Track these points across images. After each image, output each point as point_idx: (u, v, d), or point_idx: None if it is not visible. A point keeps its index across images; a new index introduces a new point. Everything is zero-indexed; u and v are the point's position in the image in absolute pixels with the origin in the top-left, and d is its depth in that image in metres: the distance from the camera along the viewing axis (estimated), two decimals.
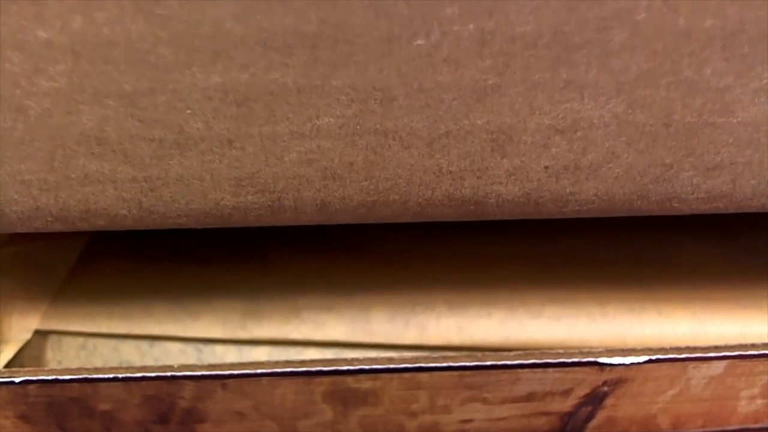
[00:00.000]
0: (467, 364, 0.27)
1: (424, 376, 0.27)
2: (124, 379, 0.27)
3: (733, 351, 0.27)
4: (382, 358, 0.26)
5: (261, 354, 0.30)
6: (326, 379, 0.27)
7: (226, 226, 0.26)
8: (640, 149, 0.24)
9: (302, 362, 0.26)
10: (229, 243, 0.33)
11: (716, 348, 0.27)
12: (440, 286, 0.30)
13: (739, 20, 0.21)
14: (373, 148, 0.24)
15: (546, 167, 0.25)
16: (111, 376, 0.26)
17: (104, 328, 0.29)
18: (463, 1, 0.20)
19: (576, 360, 0.27)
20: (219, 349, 0.30)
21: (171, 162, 0.24)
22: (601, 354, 0.27)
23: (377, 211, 0.25)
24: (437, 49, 0.22)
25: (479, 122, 0.23)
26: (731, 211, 0.26)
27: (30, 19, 0.20)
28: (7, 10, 0.20)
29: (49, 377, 0.26)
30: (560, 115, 0.23)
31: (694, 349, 0.27)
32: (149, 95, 0.22)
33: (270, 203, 0.25)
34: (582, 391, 0.28)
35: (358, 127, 0.23)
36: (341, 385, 0.27)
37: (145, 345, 0.30)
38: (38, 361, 0.30)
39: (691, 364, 0.27)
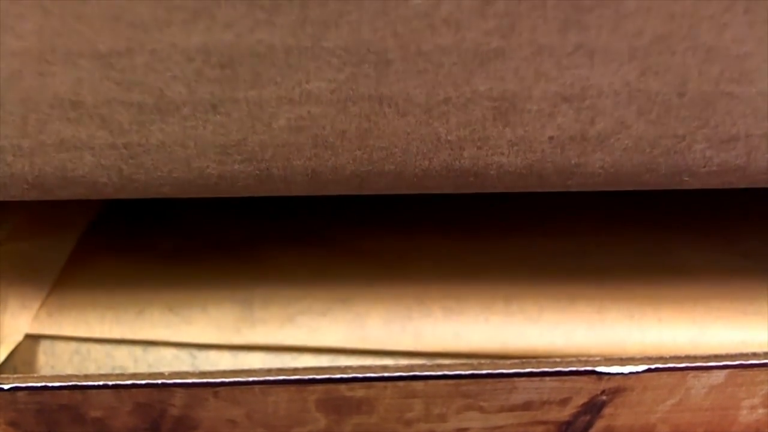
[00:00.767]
0: (463, 372, 0.22)
1: (418, 385, 0.22)
2: (114, 386, 0.22)
3: (734, 360, 0.22)
4: (376, 366, 0.22)
5: (255, 360, 0.24)
6: (319, 387, 0.22)
7: (212, 196, 0.20)
8: (652, 119, 0.18)
9: (295, 370, 0.22)
10: (223, 246, 0.28)
11: (717, 357, 0.22)
12: (437, 291, 0.25)
13: None
14: (367, 115, 0.18)
15: (551, 137, 0.19)
16: (101, 383, 0.21)
17: (97, 333, 0.24)
18: None
19: (574, 369, 0.22)
20: (213, 354, 0.24)
21: (151, 128, 0.18)
22: (599, 363, 0.22)
23: (371, 182, 0.20)
24: (437, 9, 0.16)
25: (481, 89, 0.18)
26: (743, 185, 0.20)
27: None
28: None
29: (39, 384, 0.21)
30: (568, 82, 0.18)
31: (694, 358, 0.22)
32: (126, 56, 0.17)
33: (258, 172, 0.19)
34: (580, 400, 0.22)
35: (351, 92, 0.18)
36: (335, 393, 0.22)
37: (138, 350, 0.24)
38: (31, 367, 0.25)
39: (691, 374, 0.22)
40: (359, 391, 0.22)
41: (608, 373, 0.21)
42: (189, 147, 0.18)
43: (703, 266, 0.26)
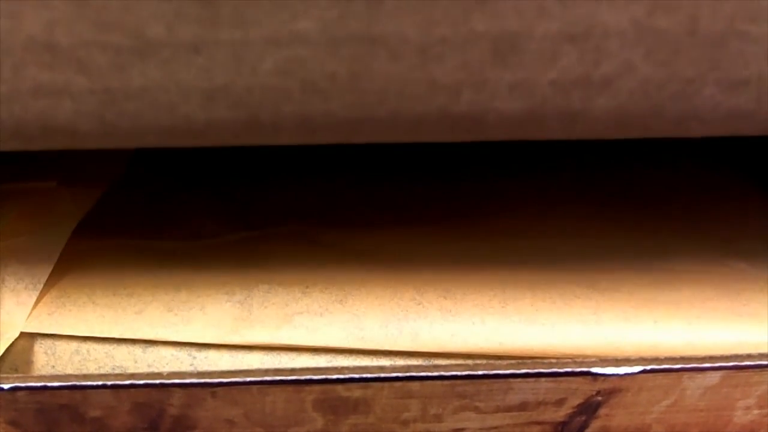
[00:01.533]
0: (459, 373, 0.21)
1: (415, 385, 0.21)
2: (113, 386, 0.21)
3: (729, 361, 0.21)
4: (373, 367, 0.21)
5: (254, 360, 0.24)
6: (316, 388, 0.21)
7: (200, 145, 0.19)
8: (660, 61, 0.17)
9: (292, 370, 0.21)
10: (222, 247, 0.27)
11: (712, 358, 0.21)
12: (434, 292, 0.24)
13: None
14: (359, 58, 0.17)
15: (553, 80, 0.17)
16: (100, 383, 0.21)
17: (96, 332, 0.24)
18: None
19: (569, 370, 0.21)
20: (212, 354, 0.24)
21: (131, 71, 0.17)
22: (594, 364, 0.21)
23: (363, 130, 0.18)
24: None
25: (479, 28, 0.16)
26: (751, 133, 0.19)
27: None
28: None
29: (38, 384, 0.21)
30: (572, 21, 0.16)
31: (689, 359, 0.21)
32: None
33: (245, 119, 0.18)
34: (575, 401, 0.22)
35: (341, 32, 0.16)
36: (331, 394, 0.21)
37: (138, 350, 0.24)
38: (32, 366, 0.24)
39: (686, 375, 0.21)
40: (356, 392, 0.21)
41: (603, 374, 0.21)
42: (172, 92, 0.17)
43: (698, 267, 0.26)
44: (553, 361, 0.22)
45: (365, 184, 0.31)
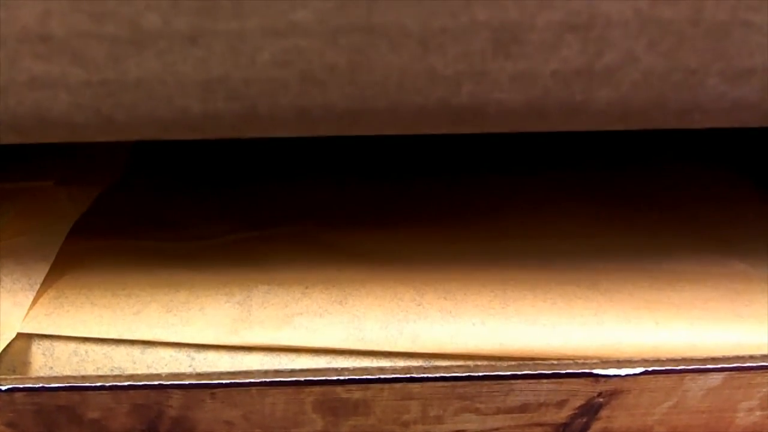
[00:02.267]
0: (459, 374, 0.21)
1: (415, 387, 0.21)
2: (111, 387, 0.21)
3: (731, 363, 0.21)
4: (373, 368, 0.21)
5: (253, 361, 0.23)
6: (316, 389, 0.21)
7: (198, 138, 0.18)
8: (663, 51, 0.17)
9: (292, 371, 0.21)
10: (221, 248, 0.27)
11: (713, 360, 0.21)
12: (434, 293, 0.24)
13: None
14: (358, 48, 0.16)
15: (554, 71, 0.17)
16: (99, 384, 0.21)
17: (95, 333, 0.23)
18: None
19: (571, 371, 0.21)
20: (211, 355, 0.23)
21: (128, 63, 0.16)
22: (596, 365, 0.21)
23: (363, 122, 0.18)
24: None
25: (480, 18, 0.16)
26: (755, 124, 0.18)
27: None
28: None
29: (37, 385, 0.21)
30: (574, 10, 0.16)
31: (691, 360, 0.21)
32: None
33: (243, 111, 0.17)
34: (577, 403, 0.21)
35: (340, 23, 0.16)
36: (331, 395, 0.21)
37: (137, 352, 0.23)
38: (30, 367, 0.24)
39: (688, 376, 0.21)
40: (356, 393, 0.21)
41: (605, 375, 0.21)
42: (169, 84, 0.17)
43: (699, 268, 0.25)
44: (555, 362, 0.21)
45: (365, 185, 0.31)
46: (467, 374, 0.21)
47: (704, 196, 0.30)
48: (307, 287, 0.24)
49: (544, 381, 0.21)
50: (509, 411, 0.21)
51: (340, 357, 0.23)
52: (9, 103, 0.17)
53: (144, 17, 0.16)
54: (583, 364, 0.21)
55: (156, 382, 0.21)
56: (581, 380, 0.21)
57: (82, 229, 0.27)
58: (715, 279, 0.24)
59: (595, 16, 0.16)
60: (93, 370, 0.23)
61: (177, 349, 0.23)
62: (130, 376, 0.21)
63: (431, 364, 0.23)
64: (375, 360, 0.23)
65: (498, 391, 0.21)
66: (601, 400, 0.21)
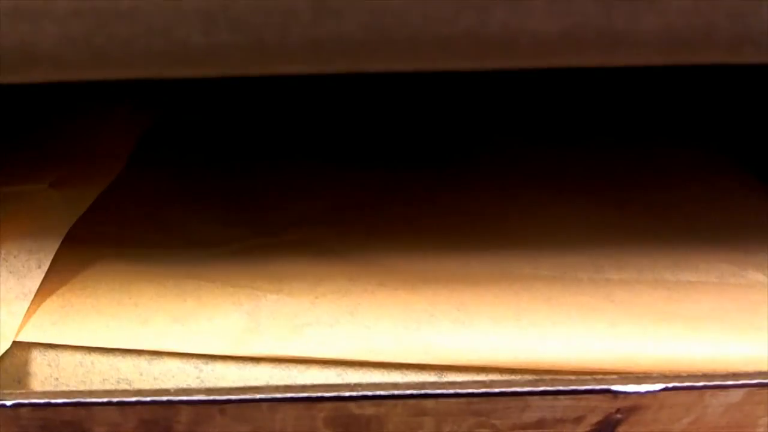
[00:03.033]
0: (475, 390, 0.20)
1: (429, 403, 0.20)
2: (119, 403, 0.20)
3: (752, 379, 0.20)
4: (386, 384, 0.20)
5: (262, 372, 0.22)
6: (328, 405, 0.20)
7: (199, 75, 0.16)
8: None
9: (303, 387, 0.20)
10: (229, 256, 0.26)
11: (734, 375, 0.20)
12: (446, 304, 0.23)
13: None
14: None
15: None
16: (105, 399, 0.20)
17: (101, 342, 0.22)
18: None
19: (589, 387, 0.20)
20: (219, 367, 0.22)
21: None
22: (614, 381, 0.20)
23: (382, 55, 0.16)
24: None
25: None
26: None
27: None
28: None
29: (42, 400, 0.20)
30: None
31: (712, 376, 0.20)
32: None
33: (248, 43, 0.15)
34: (594, 419, 0.21)
35: None
36: (343, 411, 0.20)
37: (143, 363, 0.22)
38: (35, 378, 0.23)
39: (709, 392, 0.20)
40: (369, 409, 0.20)
41: (624, 392, 0.20)
42: (167, 13, 0.15)
43: (715, 279, 0.24)
44: (573, 378, 0.20)
45: (377, 192, 0.30)
46: (483, 390, 0.20)
47: (721, 206, 0.29)
48: (317, 297, 0.23)
49: (562, 397, 0.20)
50: (525, 427, 0.21)
51: (351, 368, 0.22)
52: None
53: None
54: (602, 380, 0.20)
55: (164, 398, 0.20)
56: (599, 396, 0.20)
57: (85, 234, 0.26)
58: (733, 290, 0.24)
59: None
60: (99, 381, 0.22)
61: (185, 360, 0.22)
62: (138, 391, 0.20)
63: (444, 377, 0.22)
64: (386, 372, 0.22)
65: (514, 408, 0.20)
66: (619, 416, 0.20)
